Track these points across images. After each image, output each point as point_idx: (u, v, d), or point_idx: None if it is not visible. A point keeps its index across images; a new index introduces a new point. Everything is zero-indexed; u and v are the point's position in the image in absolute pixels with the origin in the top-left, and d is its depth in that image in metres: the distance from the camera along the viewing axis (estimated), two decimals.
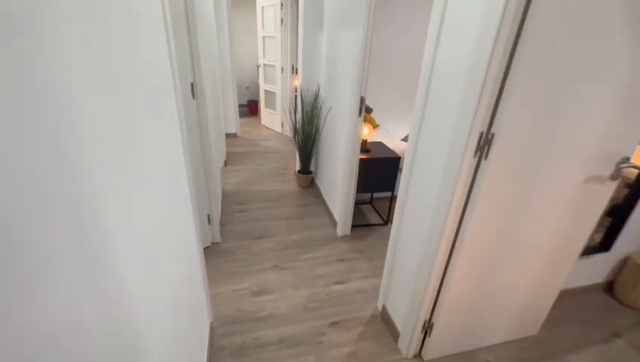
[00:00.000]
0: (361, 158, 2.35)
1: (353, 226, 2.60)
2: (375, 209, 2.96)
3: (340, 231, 2.55)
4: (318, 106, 3.02)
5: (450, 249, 1.28)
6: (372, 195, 3.06)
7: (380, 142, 2.79)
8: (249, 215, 2.76)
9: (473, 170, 1.12)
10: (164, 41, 0.99)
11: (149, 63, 0.85)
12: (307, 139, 3.15)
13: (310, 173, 3.36)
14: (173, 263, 1.00)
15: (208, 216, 2.25)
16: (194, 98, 1.88)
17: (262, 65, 5.24)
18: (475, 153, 1.08)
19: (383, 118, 4.00)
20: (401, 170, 1.53)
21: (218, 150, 3.58)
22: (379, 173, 2.51)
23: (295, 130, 3.22)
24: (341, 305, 1.87)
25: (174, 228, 1.01)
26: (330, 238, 2.51)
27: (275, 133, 5.24)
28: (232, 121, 4.80)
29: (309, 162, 3.34)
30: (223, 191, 3.12)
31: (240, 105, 6.50)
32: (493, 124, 1.04)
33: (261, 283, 2.00)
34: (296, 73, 4.60)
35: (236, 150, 4.34)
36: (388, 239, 1.69)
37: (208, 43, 3.08)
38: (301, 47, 3.05)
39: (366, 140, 2.53)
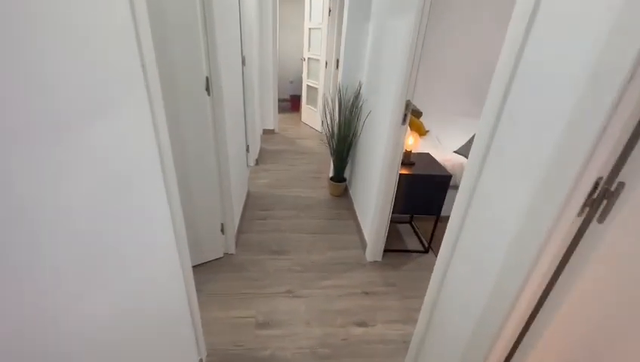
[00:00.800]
0: (401, 173, 1.95)
1: (386, 250, 2.21)
2: (415, 231, 2.53)
3: (369, 256, 2.18)
4: (358, 107, 2.65)
5: (531, 313, 0.86)
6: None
7: (428, 154, 2.35)
8: (271, 224, 2.51)
9: (574, 232, 0.70)
10: (121, 25, 0.72)
11: (92, 52, 0.59)
12: (343, 143, 2.80)
13: (344, 180, 3.02)
14: (139, 296, 0.74)
15: (222, 225, 2.03)
16: (209, 94, 1.64)
17: (306, 59, 4.96)
18: (582, 210, 0.66)
19: (433, 123, 3.47)
20: (455, 187, 1.12)
21: (251, 148, 3.39)
22: (423, 192, 2.08)
23: (331, 132, 2.89)
24: (359, 356, 1.53)
25: (129, 254, 0.75)
26: (358, 263, 2.15)
27: (314, 131, 4.96)
28: (271, 117, 4.61)
29: (344, 169, 2.99)
30: (249, 193, 2.91)
31: (282, 100, 6.33)
32: (624, 169, 0.61)
33: (269, 311, 1.73)
34: None
35: (271, 148, 4.13)
36: (428, 272, 1.29)
37: (247, 35, 2.87)
38: (344, 38, 2.69)
39: (410, 151, 2.11)
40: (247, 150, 3.43)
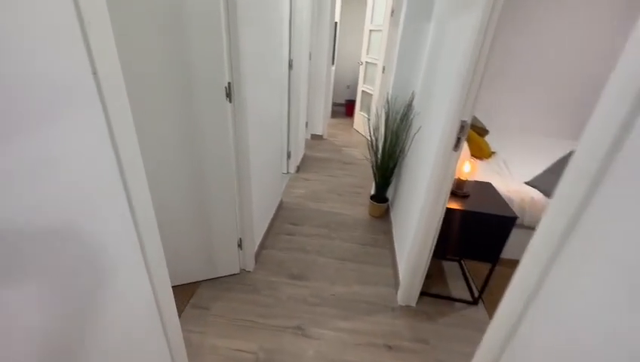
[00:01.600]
0: (449, 208, 1.58)
1: (423, 293, 1.85)
2: (464, 273, 2.10)
3: (401, 298, 1.84)
4: (409, 120, 2.30)
5: None
6: None
7: (489, 185, 1.91)
8: (297, 241, 2.31)
9: None
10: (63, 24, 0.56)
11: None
12: (388, 159, 2.48)
13: (386, 200, 2.68)
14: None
15: (240, 240, 1.89)
16: (230, 101, 1.49)
17: (363, 63, 4.68)
18: None
19: (500, 144, 2.88)
20: (522, 227, 0.77)
21: (293, 155, 3.25)
22: (476, 233, 1.67)
23: (375, 146, 2.58)
24: None
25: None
26: (386, 305, 1.83)
27: (364, 140, 4.65)
28: (320, 122, 4.43)
29: (387, 188, 2.66)
30: (281, 203, 2.76)
31: (337, 104, 6.13)
32: None
33: (273, 349, 1.52)
34: None
35: (315, 154, 3.95)
36: (474, 331, 0.97)
37: (297, 38, 2.70)
38: (399, 40, 2.36)
39: (465, 180, 1.72)
40: (289, 156, 3.29)
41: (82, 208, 0.66)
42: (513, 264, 0.82)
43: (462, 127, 1.30)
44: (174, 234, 1.66)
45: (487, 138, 2.84)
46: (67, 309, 0.65)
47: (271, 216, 2.44)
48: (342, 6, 5.22)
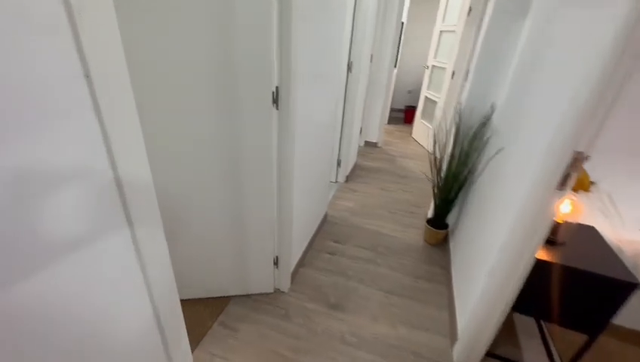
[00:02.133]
0: (539, 260, 1.22)
1: (489, 355, 1.49)
2: (543, 335, 1.68)
3: (458, 356, 1.51)
4: (484, 139, 1.93)
5: None
6: None
7: (591, 229, 1.48)
8: (338, 263, 2.08)
9: None
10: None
11: None
12: (453, 180, 2.12)
13: (445, 227, 2.32)
14: None
15: (276, 258, 1.73)
16: (277, 108, 1.32)
17: (429, 67, 4.27)
18: None
19: (604, 171, 2.28)
20: None
21: (344, 163, 3.03)
22: (574, 296, 1.27)
23: (437, 162, 2.24)
24: None
25: None
26: (437, 361, 1.52)
27: (423, 151, 4.24)
28: (376, 129, 4.14)
29: (448, 213, 2.29)
30: (326, 216, 2.55)
31: (396, 110, 5.76)
32: None
33: None
34: None
35: (367, 164, 3.68)
36: None
37: (359, 38, 2.45)
38: (480, 42, 1.99)
39: (561, 223, 1.33)
40: (339, 164, 3.08)
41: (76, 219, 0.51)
42: (622, 335, 0.49)
43: (575, 161, 0.95)
44: (208, 245, 1.55)
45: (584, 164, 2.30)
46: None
47: (313, 230, 2.25)
48: (410, 6, 4.85)
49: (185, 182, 1.38)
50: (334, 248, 2.22)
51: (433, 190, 2.32)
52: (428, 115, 4.34)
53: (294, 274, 1.92)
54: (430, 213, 2.46)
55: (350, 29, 2.58)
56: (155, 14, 1.04)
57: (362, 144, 4.18)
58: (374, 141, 4.22)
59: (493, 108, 1.91)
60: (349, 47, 2.62)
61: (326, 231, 2.39)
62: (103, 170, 0.57)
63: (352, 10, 2.54)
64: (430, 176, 2.35)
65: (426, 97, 4.36)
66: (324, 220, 2.50)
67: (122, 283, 0.67)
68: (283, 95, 1.30)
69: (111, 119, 0.54)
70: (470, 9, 3.32)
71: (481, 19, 3.30)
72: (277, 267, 1.76)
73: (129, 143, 0.60)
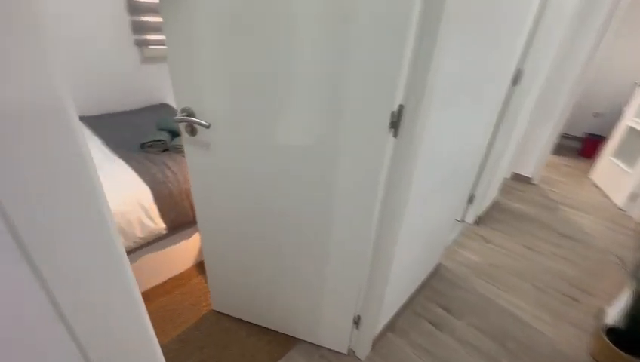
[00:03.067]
0: None
1: None
2: None
3: None
4: None
5: None
6: None
7: None
8: (441, 342, 1.53)
9: None
10: None
11: None
12: None
13: (635, 346, 1.41)
14: None
15: (358, 317, 1.34)
16: (395, 134, 0.91)
17: None
18: None
19: None
20: None
21: (478, 199, 2.34)
22: None
23: None
24: None
25: None
26: None
27: (609, 205, 2.96)
28: (534, 158, 3.13)
29: None
30: (438, 267, 1.98)
31: (569, 137, 4.34)
32: None
33: None
34: None
35: (512, 205, 2.79)
36: None
37: (541, 41, 1.69)
38: None
39: None
40: (470, 201, 2.40)
41: None
42: None
43: None
44: (283, 274, 1.31)
45: None
46: None
47: (416, 285, 1.75)
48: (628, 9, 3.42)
49: (266, 209, 1.16)
50: (440, 318, 1.66)
51: (632, 283, 1.44)
52: (628, 152, 2.99)
53: (378, 339, 1.50)
54: (613, 317, 1.56)
55: (528, 30, 1.87)
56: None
57: (508, 176, 3.24)
58: (527, 175, 3.21)
59: None
60: (520, 52, 1.91)
61: (434, 289, 1.83)
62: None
63: (538, 5, 1.81)
64: (623, 257, 1.47)
65: (631, 127, 3.00)
66: (435, 273, 1.94)
67: None
68: (407, 117, 0.88)
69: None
70: None
71: None
72: (357, 327, 1.38)
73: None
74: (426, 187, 1.19)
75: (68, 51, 2.12)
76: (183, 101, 1.05)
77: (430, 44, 0.78)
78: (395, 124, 0.89)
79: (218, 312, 1.59)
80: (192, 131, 1.09)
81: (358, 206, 1.03)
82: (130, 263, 1.56)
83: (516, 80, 1.96)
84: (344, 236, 1.11)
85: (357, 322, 1.36)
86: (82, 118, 2.16)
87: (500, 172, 2.55)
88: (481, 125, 1.52)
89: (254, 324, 1.54)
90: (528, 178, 3.21)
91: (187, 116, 1.04)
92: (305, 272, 1.26)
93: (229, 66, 0.94)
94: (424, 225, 1.40)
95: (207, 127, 1.01)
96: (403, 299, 1.64)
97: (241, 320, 1.56)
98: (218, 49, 0.92)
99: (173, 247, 1.69)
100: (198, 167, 1.18)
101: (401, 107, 0.87)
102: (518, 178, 3.25)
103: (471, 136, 1.43)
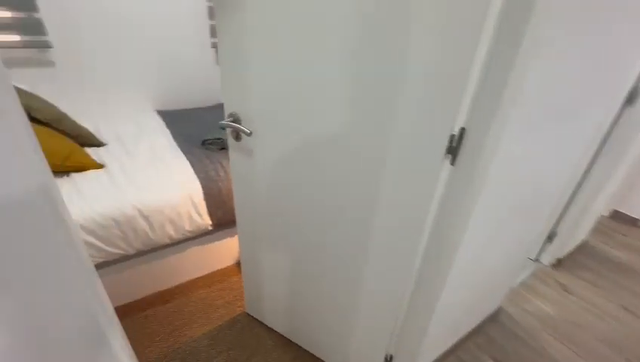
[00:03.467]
0: None
1: None
2: None
3: None
4: None
5: None
6: None
7: None
8: None
9: None
10: None
11: None
12: None
13: None
14: None
15: (390, 357, 1.20)
16: (452, 162, 0.76)
17: None
18: None
19: None
20: None
21: (560, 238, 1.96)
22: None
23: None
24: None
25: None
26: None
27: None
28: (636, 195, 2.52)
29: None
30: (498, 312, 1.70)
31: None
32: None
33: None
34: None
35: (608, 250, 2.28)
36: None
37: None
38: None
39: None
40: (550, 238, 2.03)
41: None
42: None
43: None
44: (315, 293, 1.24)
45: None
46: None
47: (467, 328, 1.51)
48: None
49: (303, 228, 1.09)
50: None
51: None
52: None
53: None
54: None
55: None
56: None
57: (606, 213, 2.67)
58: (634, 215, 2.60)
59: None
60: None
61: (488, 337, 1.57)
62: None
63: None
64: None
65: None
66: (493, 318, 1.66)
67: None
68: (471, 142, 0.73)
69: None
70: None
71: None
72: None
73: None
74: (490, 222, 1.00)
75: (152, 50, 2.36)
76: (230, 105, 1.04)
77: (511, 48, 0.62)
78: (454, 149, 0.74)
79: (250, 315, 1.59)
80: (237, 136, 1.08)
81: (399, 237, 0.90)
82: (177, 253, 1.64)
83: (631, 99, 1.57)
84: (381, 268, 0.99)
85: (389, 361, 1.22)
86: (160, 112, 2.38)
87: (595, 208, 2.09)
88: (575, 151, 1.23)
89: (282, 336, 1.49)
90: (635, 219, 2.59)
91: (233, 121, 1.03)
92: (340, 297, 1.17)
93: (276, 75, 0.89)
94: (484, 262, 1.19)
95: (249, 134, 0.98)
96: (448, 342, 1.43)
97: (270, 328, 1.53)
98: (266, 57, 0.89)
99: (217, 243, 1.74)
100: (240, 172, 1.17)
101: (463, 130, 0.72)
102: (620, 217, 2.65)
103: (559, 163, 1.17)
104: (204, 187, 1.56)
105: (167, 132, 2.06)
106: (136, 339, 1.44)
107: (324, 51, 0.79)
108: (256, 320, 1.57)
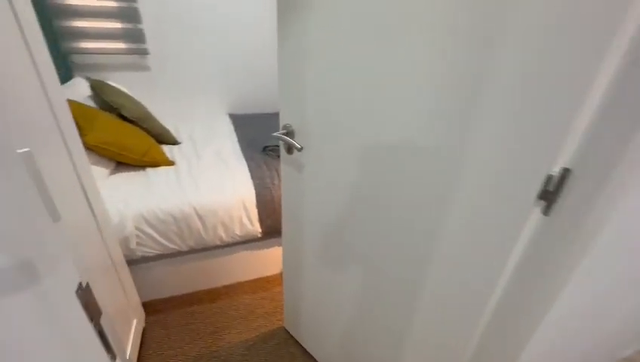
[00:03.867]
0: None
1: None
2: None
3: None
4: None
5: None
6: None
7: None
8: None
9: None
10: None
11: None
12: None
13: None
14: None
15: None
16: (546, 212, 0.58)
17: None
18: None
19: None
20: None
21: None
22: None
23: None
24: None
25: None
26: None
27: None
28: None
29: None
30: None
31: None
32: None
33: None
34: None
35: None
36: None
37: None
38: None
39: None
40: None
41: None
42: None
43: None
44: (360, 321, 1.12)
45: None
46: None
47: None
48: None
49: (351, 256, 0.99)
50: None
51: None
52: None
53: None
54: None
55: None
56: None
57: None
58: None
59: None
60: None
61: None
62: None
63: None
64: None
65: None
66: None
67: None
68: (577, 189, 0.54)
69: None
70: None
71: None
72: None
73: None
74: (587, 296, 0.75)
75: (233, 56, 2.50)
76: (285, 117, 1.00)
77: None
78: (550, 195, 0.56)
79: (288, 332, 1.53)
80: (289, 149, 1.03)
81: (460, 296, 0.73)
82: (226, 255, 1.65)
83: None
84: (436, 319, 0.82)
85: None
86: (231, 116, 2.51)
87: None
88: None
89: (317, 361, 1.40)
90: None
91: (286, 133, 0.98)
92: (385, 332, 1.03)
93: (335, 92, 0.81)
94: (579, 336, 0.92)
95: (300, 150, 0.92)
96: None
97: (305, 349, 1.45)
98: (325, 71, 0.81)
99: (265, 251, 1.73)
100: (289, 185, 1.11)
101: (566, 171, 0.54)
102: None
103: None
104: (257, 194, 1.56)
105: (235, 136, 2.15)
106: (180, 334, 1.49)
107: (407, 63, 0.68)
108: (293, 338, 1.50)
